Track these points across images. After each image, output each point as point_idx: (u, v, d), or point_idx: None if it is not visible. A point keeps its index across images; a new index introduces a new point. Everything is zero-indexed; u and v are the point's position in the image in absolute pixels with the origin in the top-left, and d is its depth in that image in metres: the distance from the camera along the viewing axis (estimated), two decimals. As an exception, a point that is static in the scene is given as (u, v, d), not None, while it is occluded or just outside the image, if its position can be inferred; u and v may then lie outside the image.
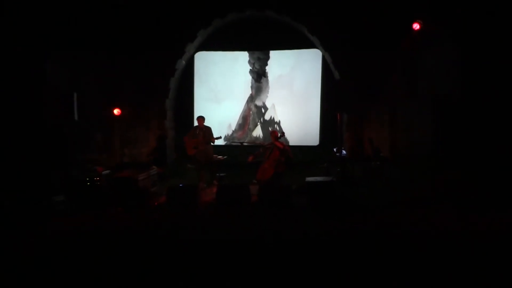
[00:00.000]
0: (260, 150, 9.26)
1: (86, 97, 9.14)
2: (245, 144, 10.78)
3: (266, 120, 12.24)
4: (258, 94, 12.28)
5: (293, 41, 11.72)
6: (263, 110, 12.27)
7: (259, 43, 11.97)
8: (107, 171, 8.22)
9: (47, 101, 8.64)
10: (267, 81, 12.21)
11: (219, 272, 4.30)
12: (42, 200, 7.09)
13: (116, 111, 10.35)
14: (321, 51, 11.38)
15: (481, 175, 7.32)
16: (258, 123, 12.29)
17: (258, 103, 12.29)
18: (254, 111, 12.31)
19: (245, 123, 12.36)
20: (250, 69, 12.23)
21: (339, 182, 7.85)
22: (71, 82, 9.39)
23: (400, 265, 4.37)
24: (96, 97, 10.30)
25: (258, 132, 12.28)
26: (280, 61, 12.13)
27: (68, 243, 5.48)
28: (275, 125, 12.05)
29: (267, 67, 12.19)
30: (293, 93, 12.04)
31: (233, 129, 12.35)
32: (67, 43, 9.44)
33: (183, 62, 11.76)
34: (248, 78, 12.29)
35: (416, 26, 8.95)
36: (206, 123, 9.52)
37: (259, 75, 12.21)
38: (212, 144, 9.42)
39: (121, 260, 4.70)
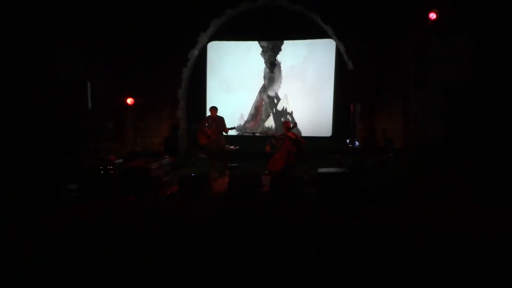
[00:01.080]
0: (273, 140, 9.22)
1: (99, 86, 9.20)
2: (257, 134, 10.76)
3: (278, 111, 12.18)
4: (271, 84, 12.22)
5: (306, 30, 11.62)
6: (275, 101, 12.22)
7: (272, 33, 11.88)
8: (120, 160, 8.27)
9: (59, 90, 8.70)
10: (280, 71, 12.14)
11: (226, 267, 4.30)
12: (54, 188, 7.17)
13: (129, 101, 10.39)
14: (335, 40, 11.25)
15: (495, 166, 7.19)
16: (271, 114, 12.24)
17: (271, 93, 12.23)
18: (266, 101, 12.26)
19: (257, 113, 12.32)
20: (264, 58, 12.16)
21: (352, 174, 7.78)
22: (84, 71, 9.44)
23: (412, 258, 4.33)
24: (109, 86, 10.35)
25: (270, 122, 12.23)
26: (293, 51, 12.04)
27: (77, 231, 5.54)
28: (288, 116, 11.99)
29: (279, 57, 12.11)
30: (306, 83, 11.95)
31: (246, 119, 12.33)
32: (79, 32, 9.47)
33: (195, 52, 11.73)
34: (261, 68, 12.22)
35: (432, 15, 8.78)
36: (218, 113, 9.51)
37: (272, 64, 12.14)
38: (224, 134, 9.42)
39: (128, 251, 4.73)
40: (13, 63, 8.64)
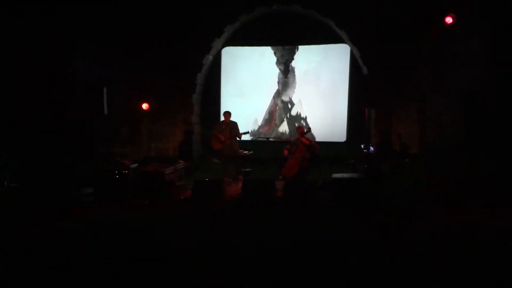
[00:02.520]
0: (287, 146, 9.19)
1: (115, 91, 9.30)
2: (271, 139, 10.73)
3: (292, 116, 12.15)
4: (285, 89, 12.21)
5: (320, 35, 11.59)
6: (289, 106, 12.20)
7: (286, 38, 11.88)
8: (135, 165, 8.34)
9: (76, 95, 8.84)
10: (294, 76, 12.12)
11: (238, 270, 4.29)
12: (70, 191, 7.26)
13: (145, 106, 10.48)
14: (349, 45, 11.20)
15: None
16: (285, 119, 12.22)
17: (285, 98, 12.21)
18: (280, 106, 12.25)
19: (271, 118, 12.31)
20: (277, 63, 12.17)
21: (366, 179, 7.71)
22: (100, 76, 9.57)
23: (429, 263, 4.25)
24: (124, 91, 10.46)
25: (284, 127, 12.21)
26: (307, 56, 12.02)
27: (91, 234, 5.59)
28: (302, 121, 11.96)
29: (293, 62, 12.10)
30: (320, 88, 11.91)
31: (259, 124, 12.32)
32: (96, 38, 9.61)
33: (210, 58, 11.80)
34: (275, 73, 12.22)
35: (448, 20, 8.68)
36: (232, 118, 9.53)
37: (286, 69, 12.13)
38: (238, 139, 9.43)
39: (142, 253, 4.75)
40: (33, 68, 8.80)
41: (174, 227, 5.94)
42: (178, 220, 6.40)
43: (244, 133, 9.36)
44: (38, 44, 8.85)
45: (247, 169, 9.48)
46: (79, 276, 4.08)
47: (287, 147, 9.08)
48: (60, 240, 5.37)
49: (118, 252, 4.79)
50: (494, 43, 8.38)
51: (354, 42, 10.81)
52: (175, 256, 4.59)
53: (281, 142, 10.46)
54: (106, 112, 8.17)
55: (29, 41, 8.76)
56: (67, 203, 7.05)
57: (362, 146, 9.60)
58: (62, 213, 6.65)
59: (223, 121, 9.60)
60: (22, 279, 4.06)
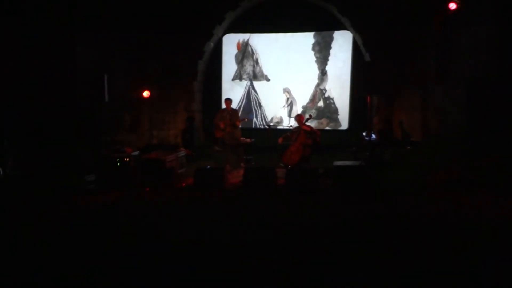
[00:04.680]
0: (288, 134, 9.18)
1: (116, 79, 9.28)
2: (271, 126, 10.71)
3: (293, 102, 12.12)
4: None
5: (322, 22, 11.49)
6: (291, 92, 12.13)
7: (287, 25, 11.77)
8: (136, 152, 8.34)
9: (77, 83, 8.82)
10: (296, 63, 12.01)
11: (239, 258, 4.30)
12: (73, 179, 7.28)
13: (146, 93, 10.45)
14: (352, 32, 11.11)
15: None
16: (286, 105, 12.18)
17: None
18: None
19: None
20: (280, 50, 12.07)
21: (368, 167, 7.70)
22: (101, 64, 9.53)
23: (432, 251, 4.26)
24: (125, 79, 10.42)
25: (284, 114, 12.16)
26: (309, 43, 11.91)
27: (93, 221, 5.62)
28: (302, 108, 11.91)
29: (296, 49, 11.98)
30: (322, 75, 11.85)
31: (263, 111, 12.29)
32: (97, 25, 9.55)
33: (211, 45, 11.73)
34: (277, 60, 12.13)
35: (452, 5, 8.58)
36: (233, 106, 9.52)
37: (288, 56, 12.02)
38: (239, 126, 9.44)
39: (143, 240, 4.77)
40: (34, 56, 8.77)
41: (174, 215, 5.94)
42: (178, 208, 6.40)
43: (243, 120, 9.46)
44: (39, 32, 8.79)
45: (248, 157, 9.48)
46: (80, 264, 4.10)
47: (287, 134, 9.07)
48: (61, 227, 5.39)
49: (118, 239, 4.81)
50: (500, 30, 8.28)
51: (356, 28, 10.72)
52: (175, 245, 4.61)
53: (282, 129, 10.43)
54: (106, 99, 8.15)
55: (30, 29, 8.70)
56: (69, 190, 7.07)
57: (364, 133, 9.59)
58: (64, 201, 6.67)
59: (224, 108, 9.57)
60: (22, 266, 4.08)
